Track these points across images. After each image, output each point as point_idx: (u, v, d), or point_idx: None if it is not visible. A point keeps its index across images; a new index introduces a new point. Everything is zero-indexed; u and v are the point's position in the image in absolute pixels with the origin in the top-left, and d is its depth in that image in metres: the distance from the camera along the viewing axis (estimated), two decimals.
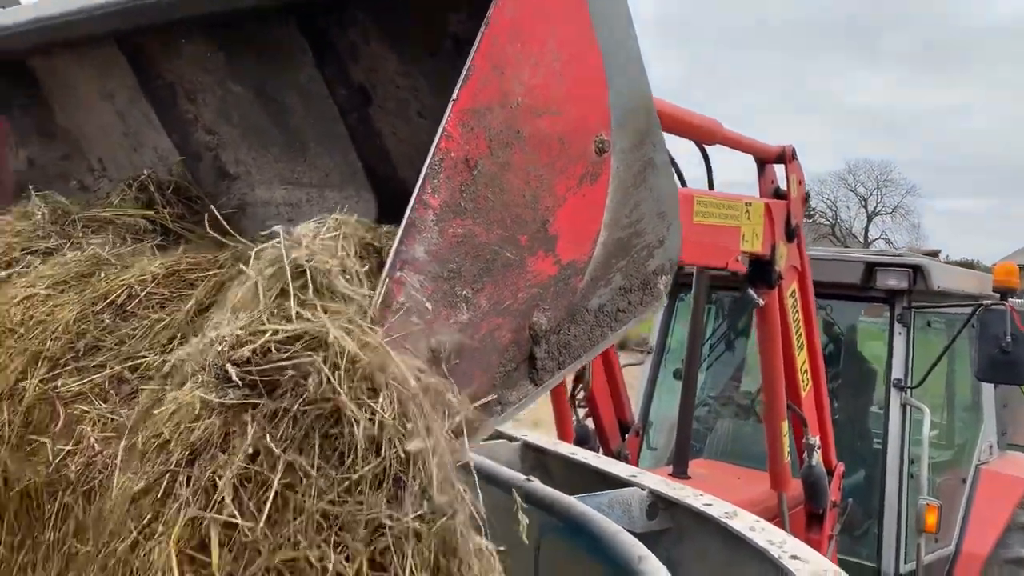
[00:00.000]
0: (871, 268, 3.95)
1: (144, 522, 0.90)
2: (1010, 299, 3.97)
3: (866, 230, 71.78)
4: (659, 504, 2.33)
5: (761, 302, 3.14)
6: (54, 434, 1.14)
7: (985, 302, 3.81)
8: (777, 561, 1.90)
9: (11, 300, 1.34)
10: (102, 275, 1.35)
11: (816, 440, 3.45)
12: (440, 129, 1.01)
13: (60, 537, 1.10)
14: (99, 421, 1.12)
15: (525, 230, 1.11)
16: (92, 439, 1.10)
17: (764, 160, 3.31)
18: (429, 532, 0.89)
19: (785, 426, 3.39)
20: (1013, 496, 4.27)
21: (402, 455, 0.86)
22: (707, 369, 4.67)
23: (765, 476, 3.62)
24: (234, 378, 0.88)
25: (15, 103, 2.11)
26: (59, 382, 1.19)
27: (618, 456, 3.85)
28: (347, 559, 0.83)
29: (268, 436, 0.85)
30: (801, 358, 3.43)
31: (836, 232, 70.70)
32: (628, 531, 2.24)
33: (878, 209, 71.13)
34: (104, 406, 1.14)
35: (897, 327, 3.98)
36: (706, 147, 2.96)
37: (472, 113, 1.02)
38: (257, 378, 0.88)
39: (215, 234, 1.43)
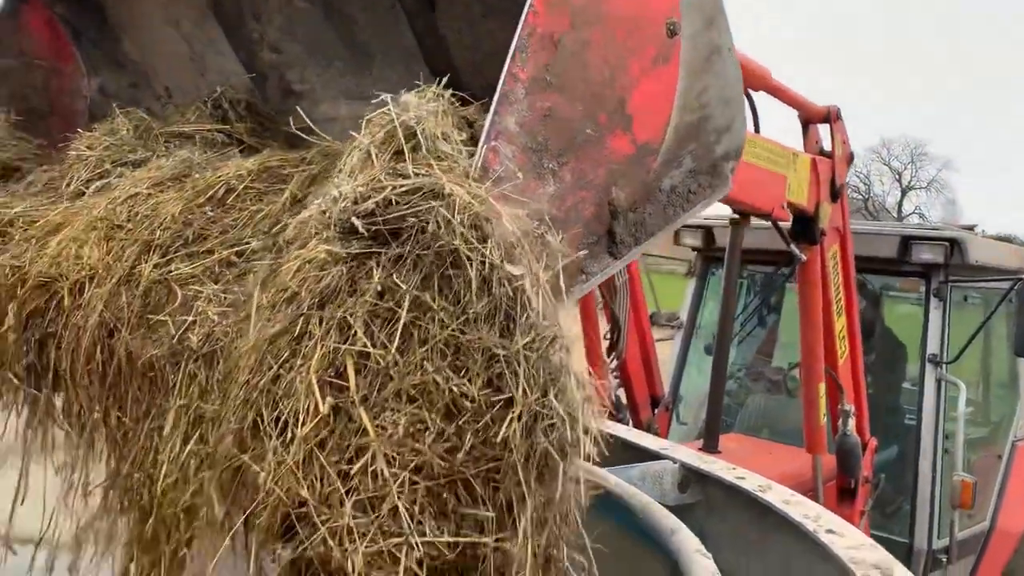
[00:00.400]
0: (907, 242, 4.03)
1: (283, 359, 1.03)
2: None
3: (900, 205, 71.43)
4: (691, 477, 2.42)
5: (804, 257, 3.25)
6: (173, 311, 1.28)
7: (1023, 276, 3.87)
8: (813, 535, 1.98)
9: (115, 200, 1.48)
10: (197, 175, 1.50)
11: (851, 408, 3.54)
12: (527, 5, 1.12)
13: (186, 402, 1.24)
14: (214, 298, 1.26)
15: (604, 108, 1.24)
16: (210, 313, 1.24)
17: (809, 119, 3.40)
18: (535, 357, 1.02)
19: (822, 388, 3.46)
20: None
21: (510, 292, 1.00)
22: (738, 344, 4.74)
23: (797, 451, 3.69)
24: (360, 229, 1.02)
25: (85, 34, 2.26)
26: (172, 267, 1.34)
27: (648, 429, 3.99)
28: (468, 381, 0.97)
29: (394, 276, 0.99)
30: (840, 323, 3.52)
31: (869, 207, 70.47)
32: (659, 503, 2.34)
33: (912, 184, 70.91)
34: (216, 286, 1.28)
35: (933, 301, 4.04)
36: (752, 93, 3.00)
37: None
38: (381, 227, 1.03)
39: (288, 147, 1.58)
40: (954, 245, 3.97)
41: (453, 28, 1.57)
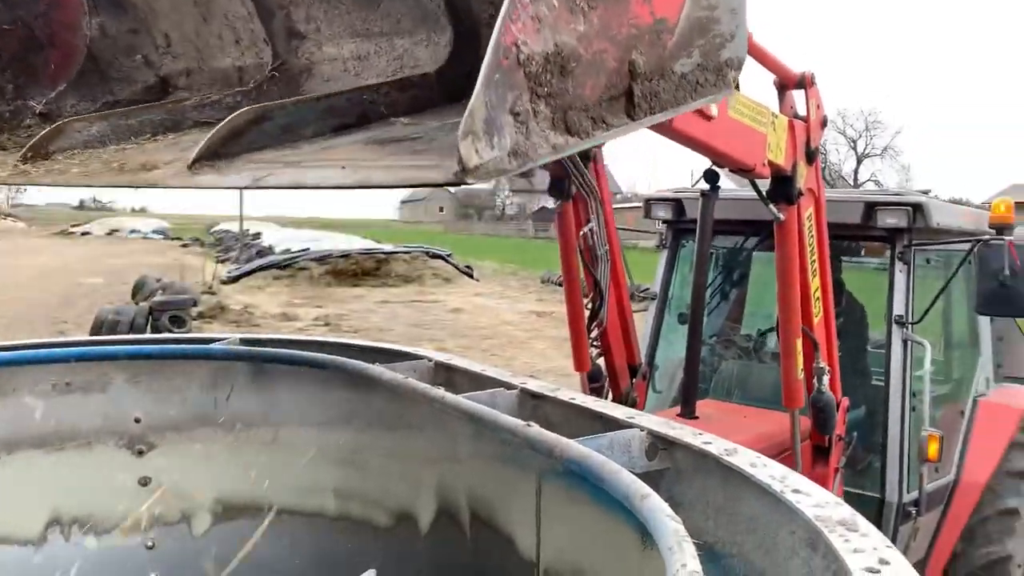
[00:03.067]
0: (871, 207, 4.17)
1: None
2: (1007, 234, 4.17)
3: (856, 172, 73.27)
4: (658, 444, 2.43)
5: (782, 217, 3.39)
6: None
7: (984, 237, 4.06)
8: (779, 496, 2.00)
9: None
10: None
11: (826, 366, 3.67)
12: None
13: None
14: None
15: None
16: None
17: (785, 84, 3.50)
18: None
19: (799, 344, 3.59)
20: (1009, 426, 4.60)
21: None
22: (709, 314, 4.88)
23: (770, 414, 3.87)
24: None
25: None
26: None
27: (627, 397, 4.18)
28: None
29: None
30: (814, 284, 3.66)
31: (826, 175, 72.09)
32: (629, 471, 2.34)
33: (867, 151, 72.76)
34: None
35: (898, 265, 4.22)
36: None
37: None
38: None
39: None
40: (917, 209, 4.10)
41: None
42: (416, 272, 28.72)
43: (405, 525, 3.47)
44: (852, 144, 73.68)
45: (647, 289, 5.02)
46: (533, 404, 3.00)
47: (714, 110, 2.81)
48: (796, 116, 3.48)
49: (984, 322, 5.09)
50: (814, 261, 3.70)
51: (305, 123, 1.52)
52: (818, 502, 1.89)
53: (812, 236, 3.66)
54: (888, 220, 4.17)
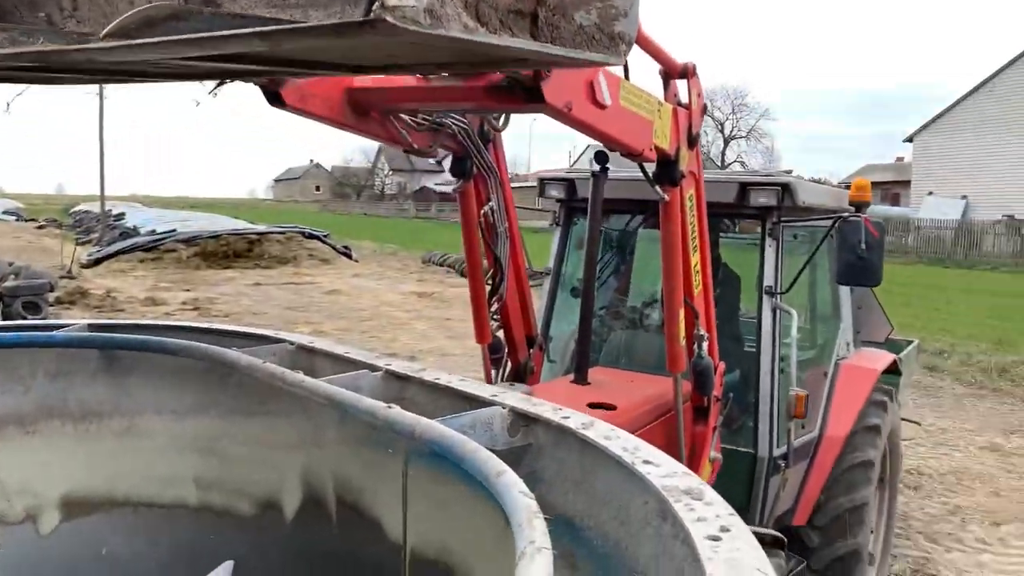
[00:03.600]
0: (744, 188, 4.51)
1: None
2: (864, 211, 4.56)
3: (723, 154, 76.80)
4: (520, 421, 2.45)
5: (667, 198, 3.65)
6: None
7: (843, 214, 4.36)
8: (631, 467, 2.05)
9: None
10: None
11: (706, 334, 4.00)
12: None
13: None
14: None
15: None
16: None
17: (670, 73, 3.73)
18: None
19: (681, 314, 3.89)
20: (866, 385, 5.05)
21: None
22: (599, 288, 5.16)
23: (655, 378, 4.21)
24: None
25: None
26: None
27: (524, 367, 4.58)
28: None
29: None
30: (695, 259, 3.97)
31: None
32: (490, 449, 2.35)
33: (734, 133, 76.39)
34: None
35: (768, 240, 4.58)
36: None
37: None
38: None
39: None
40: (785, 189, 4.45)
41: None
42: (291, 253, 27.98)
43: (269, 514, 3.38)
44: (719, 126, 76.55)
45: (542, 274, 5.24)
46: (399, 386, 2.97)
47: (607, 99, 2.95)
48: (680, 104, 3.69)
49: (844, 292, 5.49)
50: (695, 238, 3.97)
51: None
52: (667, 472, 1.94)
53: (693, 215, 3.93)
54: (759, 199, 4.50)
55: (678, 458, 3.52)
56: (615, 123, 3.07)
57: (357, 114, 2.97)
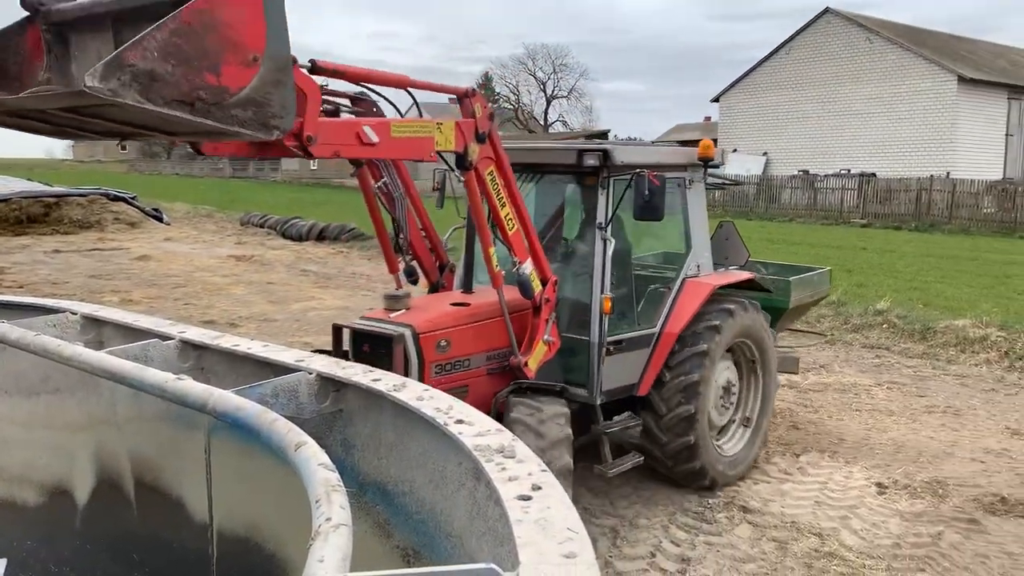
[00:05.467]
0: (580, 153, 6.04)
1: None
2: (709, 165, 6.64)
3: (545, 113, 78.49)
4: (328, 386, 2.31)
5: (463, 178, 5.14)
6: None
7: (637, 170, 5.69)
8: (444, 428, 1.96)
9: None
10: None
11: (518, 260, 5.46)
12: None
13: None
14: None
15: (210, 62, 2.40)
16: None
17: (459, 97, 5.04)
18: None
19: (492, 250, 5.35)
20: (702, 296, 6.41)
21: None
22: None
23: (512, 289, 5.55)
24: None
25: None
26: None
27: (437, 286, 6.24)
28: None
29: None
30: (504, 211, 5.37)
31: (519, 116, 76.80)
32: (295, 418, 2.19)
33: (555, 93, 78.29)
34: None
35: (599, 190, 6.03)
36: (410, 91, 4.84)
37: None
38: None
39: None
40: (607, 154, 5.93)
41: None
42: (95, 217, 25.83)
43: (58, 501, 3.08)
44: (541, 86, 77.53)
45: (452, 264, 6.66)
46: (196, 355, 2.74)
47: (374, 139, 4.25)
48: (473, 115, 5.00)
49: (699, 228, 6.77)
50: (502, 197, 5.33)
51: None
52: (479, 431, 1.87)
53: (496, 183, 5.27)
54: (589, 161, 5.94)
55: (518, 342, 5.54)
56: (390, 150, 4.58)
57: (259, 147, 3.94)
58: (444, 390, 5.89)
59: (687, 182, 6.61)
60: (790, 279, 7.95)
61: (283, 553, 2.45)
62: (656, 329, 6.32)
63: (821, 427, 8.16)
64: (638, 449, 6.31)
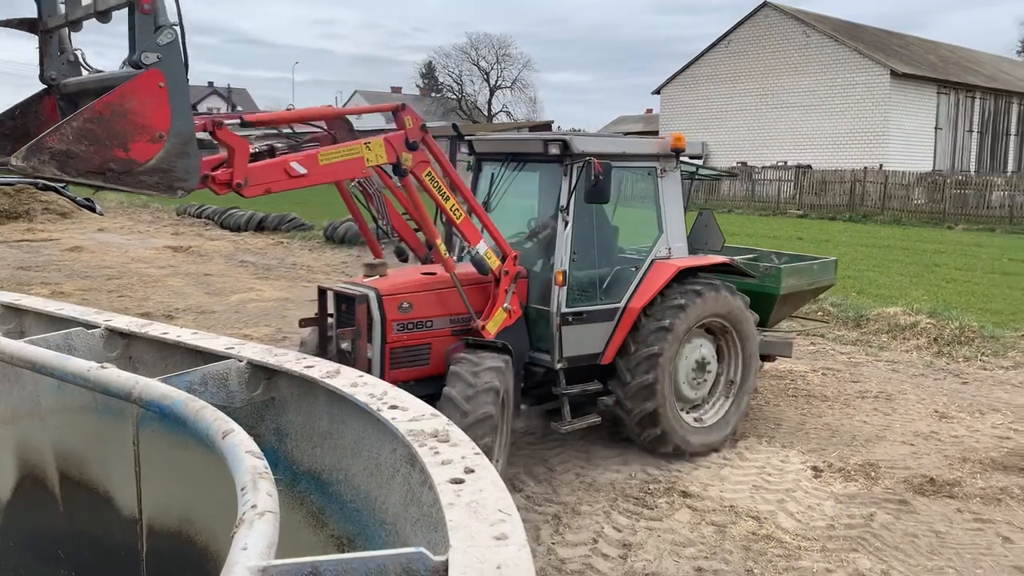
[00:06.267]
0: (545, 143, 6.60)
1: None
2: (682, 155, 7.10)
3: (489, 103, 78.23)
4: (260, 374, 2.25)
5: (399, 183, 5.75)
6: None
7: (587, 159, 6.14)
8: (376, 414, 1.93)
9: None
10: None
11: (468, 244, 6.18)
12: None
13: None
14: None
15: (120, 141, 2.96)
16: None
17: (393, 112, 5.67)
18: None
19: (440, 241, 6.01)
20: (666, 276, 6.81)
21: None
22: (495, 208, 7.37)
23: (467, 265, 6.37)
24: None
25: None
26: None
27: (426, 259, 6.59)
28: None
29: None
30: (449, 203, 5.95)
31: (463, 106, 76.27)
32: (225, 407, 2.13)
33: (499, 83, 78.01)
34: None
35: (562, 177, 6.53)
36: (351, 120, 5.78)
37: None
38: None
39: None
40: (566, 143, 6.45)
41: None
42: (23, 207, 24.99)
43: None
44: (485, 76, 77.23)
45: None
46: (124, 343, 2.65)
47: (302, 171, 4.83)
48: (404, 127, 5.54)
49: (674, 213, 7.16)
50: (444, 192, 5.88)
51: None
52: (413, 416, 1.85)
53: (436, 181, 5.79)
54: (552, 150, 6.48)
55: (475, 310, 6.17)
56: (321, 176, 5.03)
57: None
58: (406, 346, 6.12)
59: (659, 171, 7.07)
60: (781, 266, 8.31)
61: (215, 545, 2.39)
62: (621, 304, 6.80)
63: (759, 413, 8.30)
64: (614, 420, 6.93)
